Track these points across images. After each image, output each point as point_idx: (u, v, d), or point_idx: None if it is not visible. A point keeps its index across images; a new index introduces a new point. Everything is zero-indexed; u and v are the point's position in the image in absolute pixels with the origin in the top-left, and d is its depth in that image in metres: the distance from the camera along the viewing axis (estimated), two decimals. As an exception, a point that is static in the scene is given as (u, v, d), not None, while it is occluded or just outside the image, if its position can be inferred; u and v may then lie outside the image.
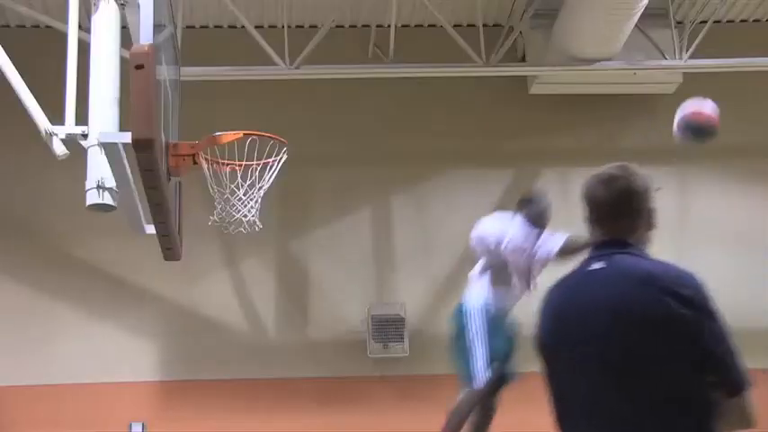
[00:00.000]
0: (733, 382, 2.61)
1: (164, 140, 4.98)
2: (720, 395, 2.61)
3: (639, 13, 7.50)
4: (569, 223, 8.96)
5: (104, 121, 5.05)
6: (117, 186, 5.08)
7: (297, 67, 7.98)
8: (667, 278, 2.67)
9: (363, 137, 8.98)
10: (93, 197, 5.07)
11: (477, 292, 6.15)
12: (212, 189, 5.85)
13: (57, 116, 5.16)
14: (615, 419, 2.65)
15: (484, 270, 6.19)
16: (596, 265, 2.80)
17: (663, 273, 2.70)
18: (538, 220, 6.41)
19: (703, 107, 5.42)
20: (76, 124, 5.12)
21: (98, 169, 5.03)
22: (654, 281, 2.67)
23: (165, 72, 5.26)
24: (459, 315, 6.18)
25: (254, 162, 5.84)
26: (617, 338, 2.67)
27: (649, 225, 2.88)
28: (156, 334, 8.51)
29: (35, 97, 5.33)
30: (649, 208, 2.88)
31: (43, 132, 5.18)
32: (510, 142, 9.08)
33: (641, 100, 9.05)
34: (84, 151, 5.14)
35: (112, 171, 4.98)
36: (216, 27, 8.99)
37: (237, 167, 5.81)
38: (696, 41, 8.27)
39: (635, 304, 2.66)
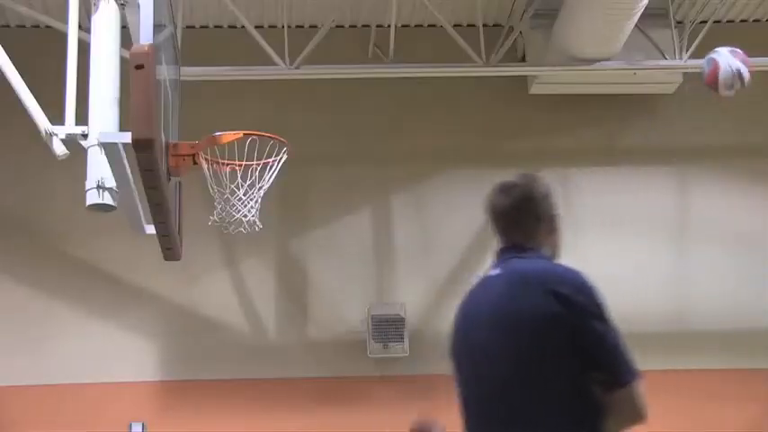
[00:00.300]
0: (618, 375, 2.62)
1: (164, 140, 4.98)
2: (608, 391, 2.62)
3: (639, 13, 7.50)
4: (569, 223, 9.01)
5: (104, 121, 5.05)
6: (117, 186, 5.09)
7: (297, 67, 7.98)
8: (548, 278, 2.72)
9: (363, 137, 8.98)
10: (93, 197, 5.07)
11: None
12: (212, 189, 5.85)
13: (57, 116, 5.16)
14: (507, 423, 2.68)
15: None
16: (494, 272, 2.87)
17: (545, 273, 2.75)
18: None
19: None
20: (76, 124, 5.12)
21: (98, 169, 5.04)
22: (536, 282, 2.72)
23: (165, 72, 5.26)
24: None
25: (254, 162, 5.84)
26: (504, 342, 2.71)
27: (552, 230, 2.93)
28: (156, 334, 8.51)
29: (35, 97, 5.33)
30: (550, 214, 2.93)
31: (43, 132, 5.18)
32: (510, 142, 9.08)
33: (641, 100, 9.04)
34: (84, 151, 5.14)
35: (112, 171, 4.98)
36: (216, 27, 8.99)
37: (237, 167, 5.81)
38: (696, 41, 8.26)
39: (518, 307, 2.71)
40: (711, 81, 5.49)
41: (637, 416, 2.64)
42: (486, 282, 2.88)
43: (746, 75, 5.46)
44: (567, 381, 2.64)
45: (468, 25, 8.69)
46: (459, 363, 2.90)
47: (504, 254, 2.90)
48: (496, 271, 2.86)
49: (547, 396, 2.64)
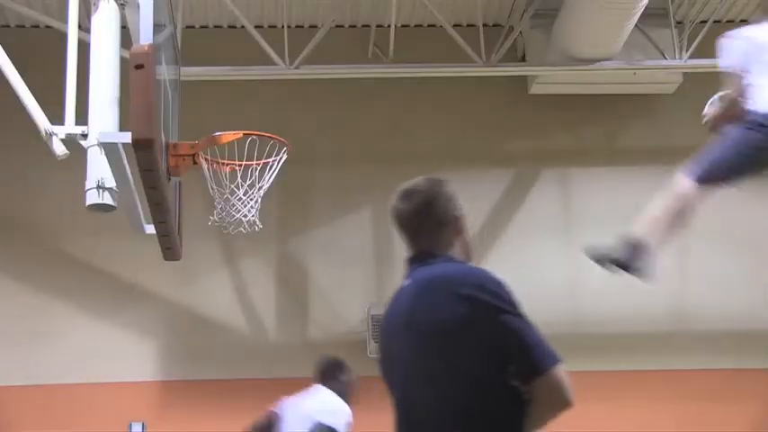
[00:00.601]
0: (535, 364, 2.57)
1: (164, 140, 4.98)
2: (528, 382, 2.56)
3: (639, 13, 7.50)
4: (569, 224, 9.01)
5: (104, 120, 5.05)
6: (117, 186, 5.09)
7: (297, 67, 7.98)
8: (450, 281, 2.68)
9: (363, 137, 8.98)
10: (93, 197, 5.07)
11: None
12: (212, 189, 5.86)
13: (56, 116, 5.16)
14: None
15: None
16: (406, 282, 2.84)
17: (447, 276, 2.71)
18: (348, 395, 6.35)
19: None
20: (76, 124, 5.12)
21: (98, 169, 5.04)
22: (440, 287, 2.69)
23: (164, 72, 5.25)
24: None
25: (254, 162, 5.84)
26: (417, 352, 2.68)
27: (458, 231, 2.87)
28: (156, 334, 8.51)
29: (35, 97, 5.33)
30: (454, 215, 2.87)
31: (43, 132, 5.18)
32: (510, 142, 9.08)
33: (641, 100, 9.05)
34: (84, 151, 5.14)
35: (112, 171, 4.98)
36: (216, 27, 8.99)
37: (237, 167, 5.81)
38: (696, 41, 8.27)
39: (426, 315, 2.67)
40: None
41: (562, 402, 2.57)
42: (399, 293, 2.84)
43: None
44: (485, 383, 2.59)
45: (468, 25, 8.69)
46: (386, 377, 2.84)
47: (414, 262, 2.86)
48: (407, 281, 2.82)
49: (466, 401, 2.58)
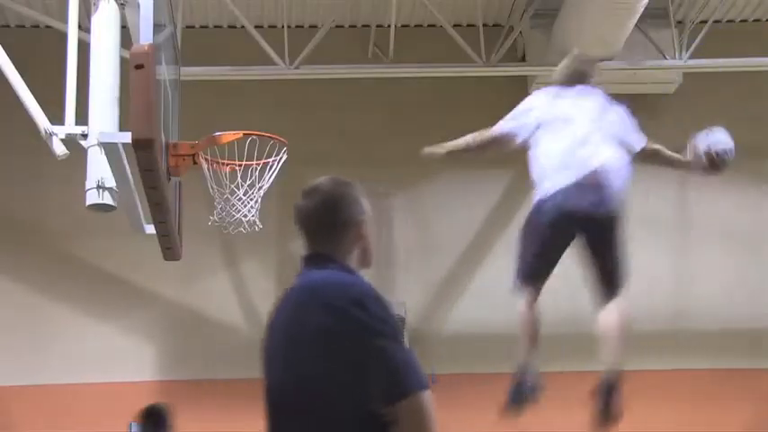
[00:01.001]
0: (399, 386, 2.44)
1: (164, 140, 4.98)
2: (390, 405, 2.43)
3: (639, 13, 7.50)
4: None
5: (104, 120, 5.05)
6: (117, 186, 5.09)
7: (297, 67, 7.98)
8: (328, 291, 2.56)
9: (363, 137, 8.98)
10: (93, 197, 5.07)
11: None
12: (212, 189, 5.86)
13: (56, 116, 5.16)
14: None
15: None
16: (294, 284, 2.70)
17: (326, 286, 2.59)
18: None
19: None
20: (76, 124, 5.12)
21: (98, 169, 5.04)
22: (317, 296, 2.57)
23: (164, 72, 5.25)
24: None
25: (254, 162, 5.84)
26: (286, 362, 2.58)
27: (358, 237, 2.73)
28: (156, 334, 8.51)
29: (35, 97, 5.33)
30: (357, 219, 2.73)
31: (43, 132, 5.18)
32: (510, 142, 9.07)
33: (641, 100, 9.01)
34: (84, 151, 5.14)
35: (112, 171, 4.98)
36: (216, 27, 8.99)
37: (237, 167, 5.81)
38: (696, 41, 8.27)
39: (298, 323, 2.57)
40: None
41: (421, 429, 2.45)
42: (285, 296, 2.71)
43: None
44: (347, 402, 2.46)
45: (468, 25, 8.69)
46: (264, 381, 2.69)
47: (306, 264, 2.72)
48: (295, 283, 2.70)
49: (326, 421, 2.47)
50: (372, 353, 2.45)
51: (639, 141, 5.22)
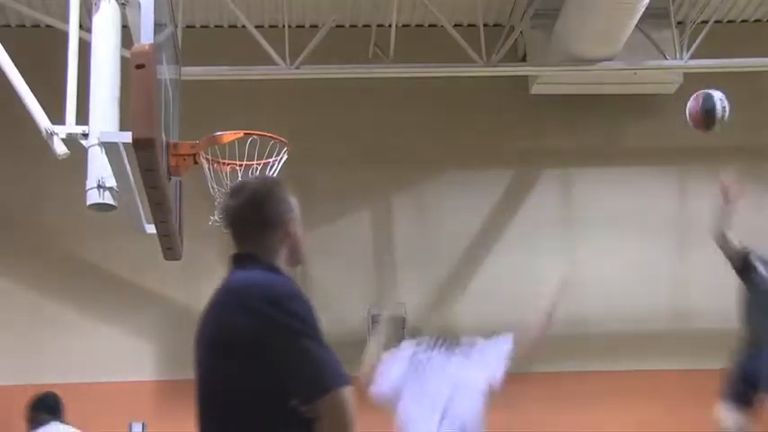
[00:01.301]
0: (317, 383, 2.46)
1: (164, 140, 4.97)
2: (310, 403, 2.45)
3: (640, 13, 7.50)
4: (570, 224, 9.01)
5: (105, 120, 5.04)
6: (117, 186, 5.08)
7: (297, 67, 7.98)
8: (247, 291, 2.57)
9: (363, 137, 8.98)
10: (93, 197, 5.06)
11: None
12: (213, 189, 5.85)
13: (57, 116, 5.16)
14: None
15: None
16: (220, 285, 2.72)
17: (246, 286, 2.60)
18: None
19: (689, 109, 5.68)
20: (77, 124, 5.11)
21: (98, 169, 5.03)
22: (237, 295, 2.59)
23: (165, 71, 5.25)
24: None
25: (255, 162, 5.84)
26: (208, 362, 2.60)
27: (285, 236, 2.74)
28: (156, 334, 8.50)
29: (36, 97, 5.32)
30: (284, 218, 2.74)
31: (44, 132, 5.17)
32: (510, 142, 9.08)
33: (642, 100, 9.05)
34: (84, 151, 5.13)
35: (113, 170, 4.98)
36: (216, 27, 8.99)
37: (238, 167, 5.81)
38: (697, 41, 8.26)
39: (219, 323, 2.60)
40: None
41: (342, 425, 2.46)
42: (212, 295, 2.74)
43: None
44: (268, 401, 2.49)
45: (469, 25, 8.69)
46: (195, 383, 2.71)
47: (233, 263, 2.73)
48: (221, 284, 2.72)
49: (248, 420, 2.48)
50: (291, 351, 2.47)
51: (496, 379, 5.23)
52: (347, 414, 2.47)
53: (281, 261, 2.73)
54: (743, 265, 5.71)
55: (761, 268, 5.76)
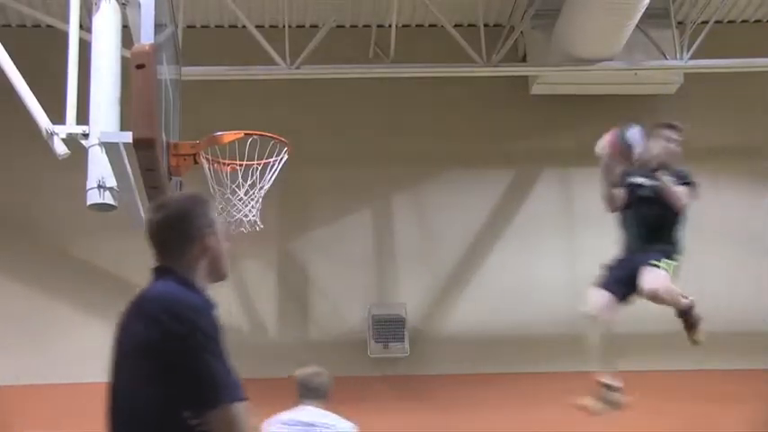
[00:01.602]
0: (207, 397, 2.51)
1: (164, 140, 4.98)
2: (201, 416, 2.50)
3: (640, 13, 7.50)
4: (570, 224, 9.01)
5: (105, 120, 5.04)
6: (118, 186, 5.08)
7: (297, 67, 7.98)
8: (154, 303, 2.63)
9: (363, 137, 8.98)
10: (93, 197, 5.06)
11: None
12: (213, 189, 5.85)
13: (57, 116, 5.16)
14: None
15: None
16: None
17: (154, 298, 2.67)
18: None
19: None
20: (77, 124, 5.12)
21: (99, 169, 5.02)
22: (145, 307, 2.65)
23: (165, 71, 5.25)
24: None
25: (255, 162, 5.84)
26: (115, 371, 2.68)
27: (204, 250, 2.80)
28: (157, 334, 8.50)
29: (36, 96, 5.32)
30: (200, 233, 2.80)
31: (44, 132, 5.17)
32: (510, 142, 9.08)
33: (642, 100, 9.04)
34: (84, 151, 5.13)
35: (113, 170, 4.98)
36: (217, 27, 8.99)
37: (238, 167, 5.81)
38: (697, 42, 8.26)
39: (128, 334, 2.65)
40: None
41: None
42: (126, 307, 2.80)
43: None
44: (161, 412, 2.53)
45: (469, 25, 8.69)
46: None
47: (152, 275, 2.80)
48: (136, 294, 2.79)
49: (142, 429, 2.55)
50: (184, 363, 2.52)
51: None
52: (237, 430, 2.52)
53: (200, 275, 2.81)
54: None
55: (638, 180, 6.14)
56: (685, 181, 6.05)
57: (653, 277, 5.87)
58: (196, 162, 5.42)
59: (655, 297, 5.95)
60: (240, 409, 2.54)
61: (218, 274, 2.87)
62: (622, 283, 6.10)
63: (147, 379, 2.54)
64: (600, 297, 6.05)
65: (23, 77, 5.37)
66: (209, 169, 5.67)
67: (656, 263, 5.88)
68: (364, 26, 8.90)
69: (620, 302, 6.15)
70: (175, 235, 2.79)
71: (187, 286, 2.73)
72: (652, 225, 6.08)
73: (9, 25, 8.81)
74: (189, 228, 2.79)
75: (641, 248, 6.06)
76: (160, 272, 2.78)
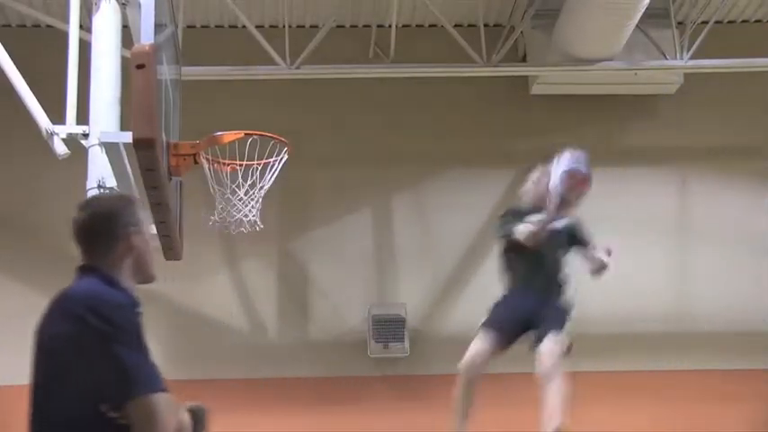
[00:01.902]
0: (124, 390, 2.54)
1: (164, 140, 4.97)
2: (119, 410, 2.53)
3: (640, 13, 7.50)
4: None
5: (105, 120, 5.04)
6: (117, 186, 5.08)
7: (297, 67, 7.98)
8: (76, 300, 2.66)
9: (363, 137, 8.98)
10: (93, 197, 5.06)
11: None
12: (213, 189, 5.85)
13: (57, 116, 5.16)
14: None
15: None
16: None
17: (75, 295, 2.70)
18: None
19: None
20: (77, 124, 5.12)
21: (99, 169, 5.03)
22: (66, 304, 2.67)
23: (165, 71, 5.25)
24: None
25: (255, 162, 5.83)
26: (35, 367, 2.71)
27: (128, 249, 2.83)
28: (157, 334, 8.42)
29: (36, 96, 5.33)
30: (124, 232, 2.83)
31: (44, 132, 5.17)
32: (510, 142, 9.08)
33: (642, 100, 9.05)
34: (84, 151, 5.13)
35: (113, 171, 4.98)
36: (217, 27, 8.99)
37: (238, 167, 5.80)
38: (697, 42, 8.27)
39: (49, 330, 2.68)
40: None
41: (150, 429, 2.55)
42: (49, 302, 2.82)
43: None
44: (79, 405, 2.56)
45: (469, 25, 8.69)
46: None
47: (77, 273, 2.84)
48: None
49: (60, 423, 2.59)
50: (100, 357, 2.55)
51: None
52: (157, 420, 2.55)
53: (125, 274, 2.83)
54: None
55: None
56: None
57: (551, 353, 5.62)
58: (196, 162, 5.42)
59: (546, 375, 5.65)
60: (159, 399, 2.58)
61: (143, 275, 2.91)
62: (517, 325, 5.90)
63: (67, 376, 2.57)
64: (483, 346, 5.90)
65: (23, 77, 5.38)
66: (209, 169, 5.66)
67: (557, 331, 5.67)
68: (364, 26, 8.90)
69: (503, 349, 5.97)
70: (101, 233, 2.83)
71: (111, 284, 2.75)
72: (557, 268, 6.07)
73: (9, 25, 8.81)
74: (114, 226, 2.83)
75: (544, 291, 5.95)
76: (84, 270, 2.81)
